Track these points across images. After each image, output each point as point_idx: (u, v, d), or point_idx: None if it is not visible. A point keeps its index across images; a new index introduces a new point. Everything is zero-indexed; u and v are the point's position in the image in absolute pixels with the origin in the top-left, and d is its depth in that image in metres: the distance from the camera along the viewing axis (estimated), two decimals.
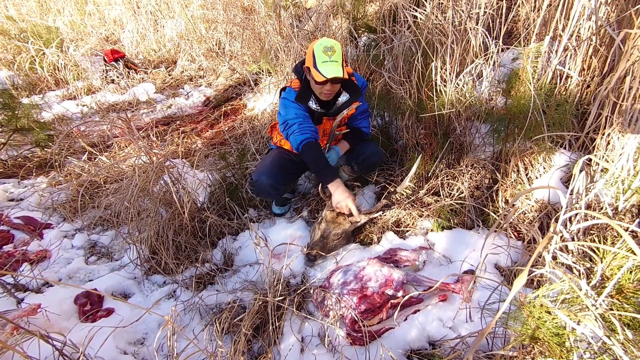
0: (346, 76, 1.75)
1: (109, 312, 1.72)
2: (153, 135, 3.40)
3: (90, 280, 1.96)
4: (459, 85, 1.96)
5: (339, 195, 1.83)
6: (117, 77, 4.80)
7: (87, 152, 2.96)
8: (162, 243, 1.98)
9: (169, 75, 5.15)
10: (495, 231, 1.85)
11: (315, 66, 1.72)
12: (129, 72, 4.92)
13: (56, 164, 2.90)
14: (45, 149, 3.18)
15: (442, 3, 2.01)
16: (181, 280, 1.91)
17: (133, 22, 5.84)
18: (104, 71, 4.88)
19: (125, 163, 2.83)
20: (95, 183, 2.69)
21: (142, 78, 4.97)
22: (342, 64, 1.73)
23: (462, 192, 2.06)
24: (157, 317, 1.74)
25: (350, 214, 2.01)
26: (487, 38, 1.95)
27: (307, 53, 1.81)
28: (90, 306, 1.74)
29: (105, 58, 4.87)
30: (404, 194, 2.17)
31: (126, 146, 3.22)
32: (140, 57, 5.70)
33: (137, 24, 5.79)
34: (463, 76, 1.95)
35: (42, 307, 1.56)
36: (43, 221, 2.38)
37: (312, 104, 1.92)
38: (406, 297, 1.50)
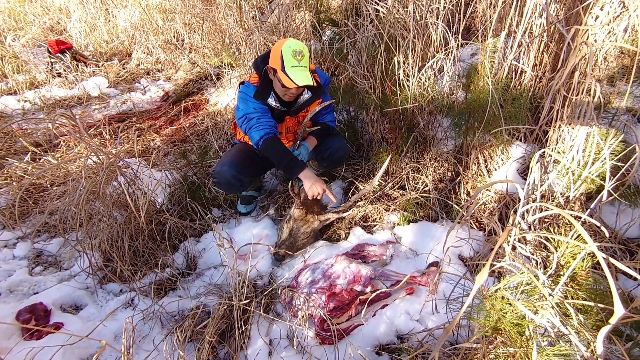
0: (314, 82, 1.71)
1: (57, 327, 1.58)
2: (106, 133, 3.18)
3: (35, 293, 1.79)
4: (421, 79, 1.98)
5: (312, 182, 1.77)
6: (64, 70, 4.43)
7: (29, 152, 2.70)
8: (117, 249, 1.85)
9: (123, 68, 4.83)
10: (459, 222, 1.90)
11: (283, 69, 1.66)
12: (77, 65, 4.55)
13: None
14: None
15: None
16: (139, 287, 1.79)
17: (81, 10, 5.40)
18: (48, 63, 4.48)
19: (75, 163, 2.61)
20: (40, 186, 2.46)
21: (93, 71, 4.62)
22: (310, 64, 1.70)
23: (427, 185, 2.10)
24: (113, 328, 1.62)
25: (320, 212, 1.98)
26: (447, 33, 1.98)
27: (272, 52, 1.73)
28: (36, 322, 1.58)
29: (50, 49, 4.46)
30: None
31: (75, 145, 2.98)
32: (91, 48, 5.29)
33: (85, 12, 5.37)
34: (425, 71, 1.97)
35: None
36: None
37: (272, 102, 1.86)
38: (375, 294, 1.50)
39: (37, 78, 4.33)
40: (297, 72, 1.65)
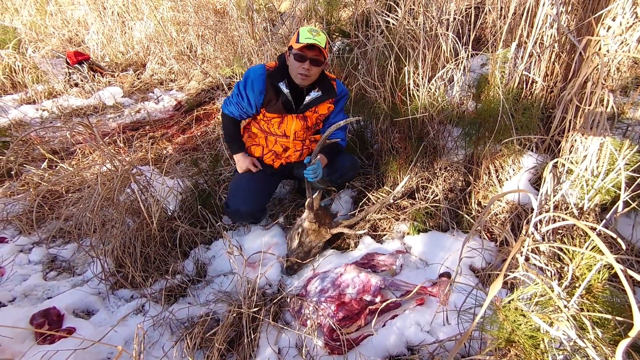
0: (326, 49, 1.76)
1: (70, 331, 1.60)
2: (120, 141, 3.25)
3: (49, 298, 1.82)
4: (431, 89, 1.99)
5: (240, 163, 2.08)
6: (81, 80, 4.56)
7: (46, 160, 2.77)
8: (129, 255, 1.87)
9: (138, 78, 4.95)
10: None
11: (297, 41, 1.73)
12: (94, 75, 4.68)
13: (12, 172, 2.70)
14: (0, 157, 2.96)
15: (413, 9, 2.03)
16: (150, 293, 1.81)
17: (98, 23, 5.58)
18: (66, 74, 4.62)
19: (90, 171, 2.67)
20: (56, 192, 2.52)
21: (109, 81, 4.74)
22: (325, 46, 1.75)
23: (437, 195, 2.09)
24: (124, 334, 1.63)
25: (331, 225, 1.98)
26: (457, 44, 1.99)
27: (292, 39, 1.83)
28: (49, 326, 1.61)
29: (68, 60, 4.61)
30: (380, 197, 2.17)
31: (91, 153, 3.05)
32: (107, 59, 5.45)
33: (103, 25, 5.54)
34: (435, 81, 1.98)
35: None
36: None
37: (283, 87, 1.88)
38: (385, 304, 1.49)
39: (56, 88, 4.46)
40: (309, 40, 1.70)
